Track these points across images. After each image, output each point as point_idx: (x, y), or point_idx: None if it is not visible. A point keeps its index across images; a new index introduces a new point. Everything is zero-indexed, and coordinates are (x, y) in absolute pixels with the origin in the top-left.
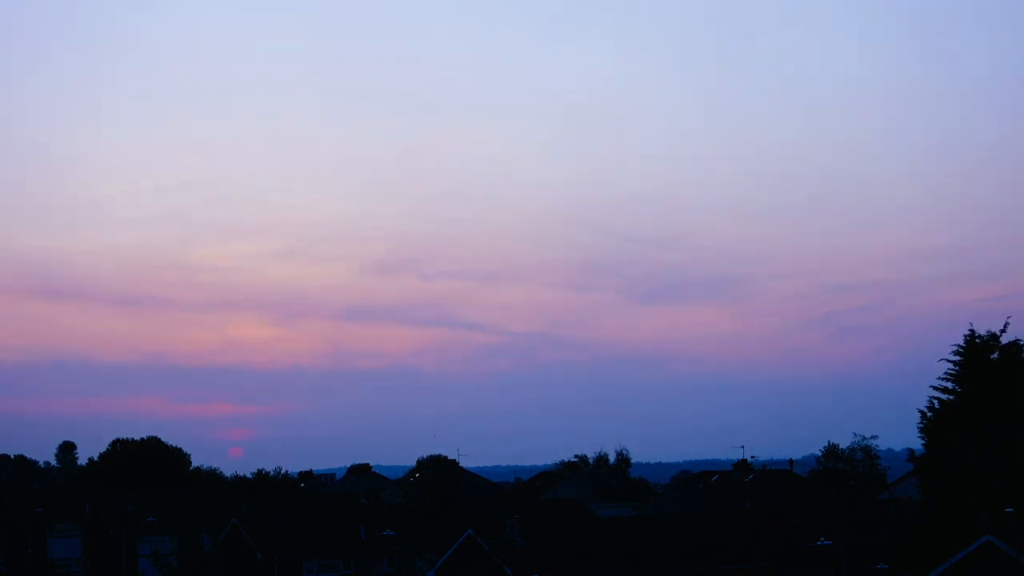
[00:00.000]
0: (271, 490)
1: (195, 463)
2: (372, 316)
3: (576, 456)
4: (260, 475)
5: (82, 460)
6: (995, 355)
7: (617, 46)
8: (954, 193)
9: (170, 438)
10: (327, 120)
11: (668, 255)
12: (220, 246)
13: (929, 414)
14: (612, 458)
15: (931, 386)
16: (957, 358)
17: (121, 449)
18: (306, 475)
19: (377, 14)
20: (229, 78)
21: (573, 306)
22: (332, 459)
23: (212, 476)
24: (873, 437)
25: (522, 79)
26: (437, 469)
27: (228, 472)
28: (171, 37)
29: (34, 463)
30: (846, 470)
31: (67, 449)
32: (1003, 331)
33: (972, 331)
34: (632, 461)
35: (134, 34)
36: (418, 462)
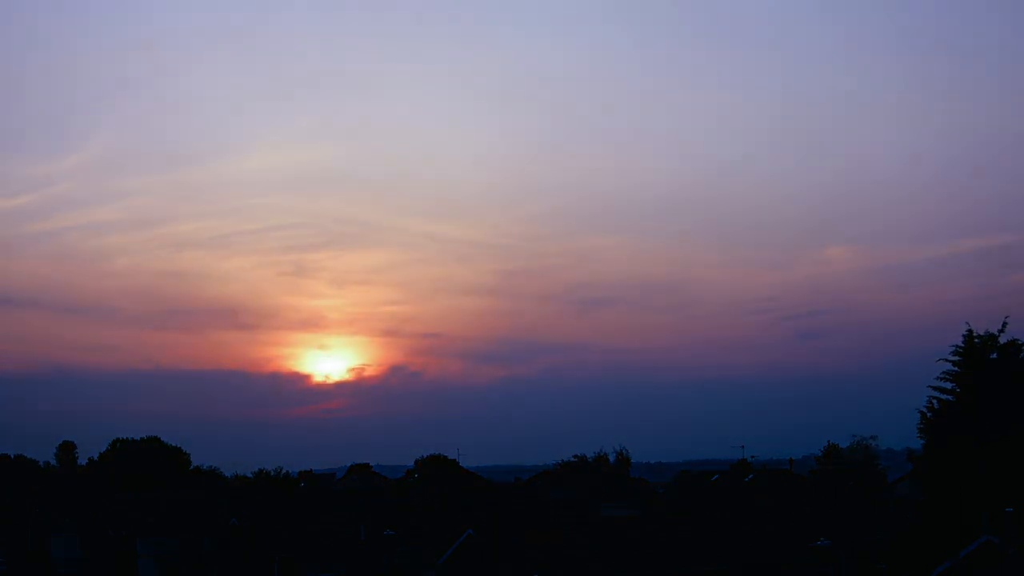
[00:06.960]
0: (271, 490)
1: (195, 463)
2: (335, 324)
3: (576, 456)
4: (260, 475)
5: (82, 460)
6: (994, 355)
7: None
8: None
9: (170, 438)
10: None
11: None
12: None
13: (929, 414)
14: (612, 458)
15: (930, 386)
16: (956, 358)
17: (121, 449)
18: (306, 475)
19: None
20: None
21: (526, 312)
22: (332, 459)
23: (212, 476)
24: (872, 437)
25: None
26: (437, 469)
27: (228, 472)
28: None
29: (34, 463)
30: (846, 470)
31: (67, 449)
32: (1001, 331)
33: (970, 331)
34: (632, 461)
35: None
36: (417, 462)
